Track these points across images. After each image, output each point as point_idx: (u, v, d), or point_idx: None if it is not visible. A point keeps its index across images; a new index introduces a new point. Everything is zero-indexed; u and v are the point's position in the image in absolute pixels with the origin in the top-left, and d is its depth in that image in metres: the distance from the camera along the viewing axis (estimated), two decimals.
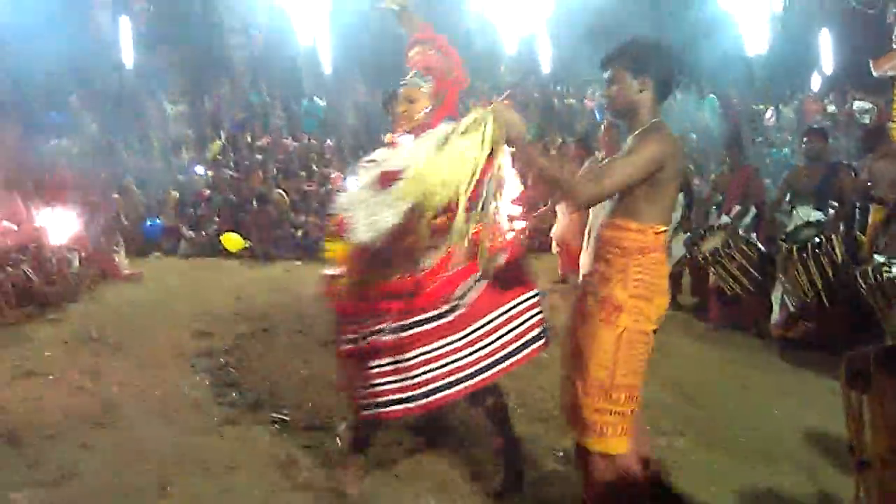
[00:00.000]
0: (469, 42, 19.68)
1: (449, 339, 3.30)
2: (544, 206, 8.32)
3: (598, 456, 2.96)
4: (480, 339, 3.36)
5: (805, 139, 6.62)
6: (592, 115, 16.84)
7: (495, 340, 3.41)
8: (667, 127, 2.94)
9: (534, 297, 3.55)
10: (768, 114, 17.30)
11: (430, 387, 3.30)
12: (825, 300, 5.65)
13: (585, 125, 15.25)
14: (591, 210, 7.28)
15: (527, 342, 3.53)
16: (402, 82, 3.61)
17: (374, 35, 18.55)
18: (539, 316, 3.57)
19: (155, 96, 16.38)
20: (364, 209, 3.09)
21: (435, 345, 3.29)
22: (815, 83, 19.62)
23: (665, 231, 2.94)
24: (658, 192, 2.87)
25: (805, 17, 18.94)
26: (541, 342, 3.60)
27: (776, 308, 6.14)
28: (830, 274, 5.62)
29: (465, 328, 3.32)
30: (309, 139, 14.73)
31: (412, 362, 3.28)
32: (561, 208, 8.56)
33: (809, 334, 5.98)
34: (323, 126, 15.99)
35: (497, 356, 3.42)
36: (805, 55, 20.02)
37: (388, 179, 3.09)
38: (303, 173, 12.55)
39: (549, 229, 10.62)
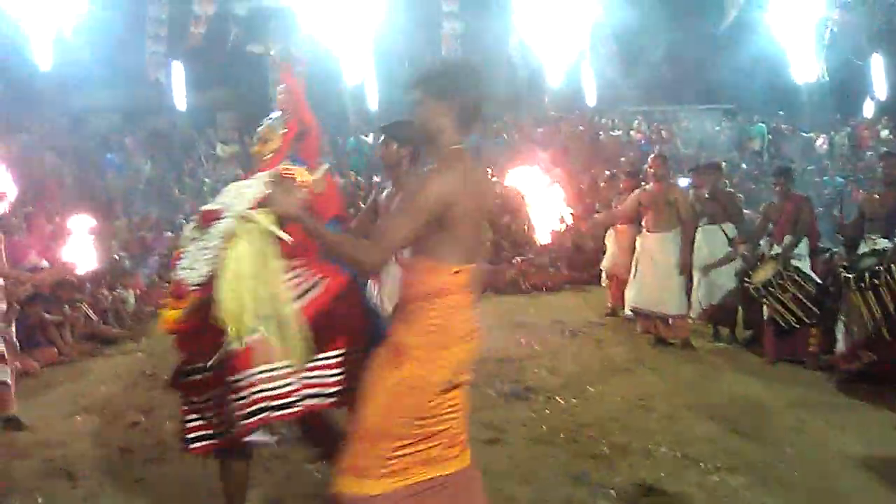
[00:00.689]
0: (513, 75, 19.86)
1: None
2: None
3: (350, 496, 2.67)
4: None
5: (883, 163, 6.46)
6: (639, 146, 16.75)
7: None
8: (463, 157, 2.74)
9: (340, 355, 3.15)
10: (819, 141, 17.00)
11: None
12: (885, 332, 5.47)
13: (632, 157, 15.16)
14: (638, 241, 7.26)
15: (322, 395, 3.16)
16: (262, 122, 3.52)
17: (419, 71, 18.83)
18: (339, 377, 3.15)
19: (206, 137, 16.83)
20: (191, 247, 3.07)
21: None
22: (868, 109, 19.28)
23: (462, 272, 2.67)
24: (450, 231, 2.62)
25: (855, 43, 18.64)
26: (329, 400, 3.18)
27: (839, 339, 5.97)
28: (891, 305, 5.45)
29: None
30: (356, 177, 14.94)
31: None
32: (610, 239, 8.53)
33: (871, 367, 5.79)
34: (369, 163, 16.21)
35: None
36: (856, 81, 19.72)
37: (208, 219, 3.04)
38: (350, 210, 12.70)
39: (597, 262, 10.60)
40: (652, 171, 7.29)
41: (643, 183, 7.94)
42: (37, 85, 15.88)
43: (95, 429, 5.14)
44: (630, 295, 7.44)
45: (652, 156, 7.67)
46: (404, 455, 2.68)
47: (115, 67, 17.47)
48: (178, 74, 18.35)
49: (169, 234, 10.99)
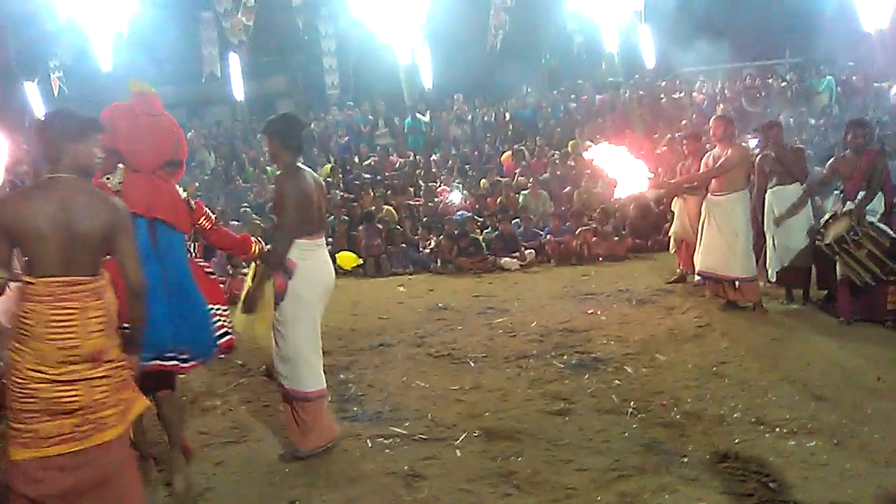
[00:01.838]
0: (568, 42, 19.55)
1: None
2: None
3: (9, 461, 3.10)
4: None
5: None
6: (701, 108, 16.30)
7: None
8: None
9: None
10: (893, 90, 16.25)
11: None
12: None
13: (695, 119, 14.78)
14: (703, 205, 7.11)
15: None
16: None
17: (469, 48, 18.72)
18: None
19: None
20: None
21: None
22: None
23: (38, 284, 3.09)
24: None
25: None
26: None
27: None
28: None
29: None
30: (414, 155, 14.97)
31: None
32: (678, 204, 8.36)
33: None
34: (427, 141, 16.22)
35: None
36: None
37: None
38: (410, 189, 12.77)
39: (661, 229, 10.43)
40: (713, 132, 7.14)
41: (707, 145, 7.76)
42: (100, 86, 16.36)
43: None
44: (698, 259, 7.32)
45: (714, 117, 7.49)
46: (28, 429, 3.03)
47: (173, 64, 17.88)
48: (234, 66, 18.65)
49: (235, 223, 11.22)
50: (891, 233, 6.16)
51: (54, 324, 3.03)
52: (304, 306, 4.33)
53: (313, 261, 4.38)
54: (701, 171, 7.29)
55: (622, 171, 6.48)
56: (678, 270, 8.51)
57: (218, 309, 4.18)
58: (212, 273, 4.42)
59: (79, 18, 15.51)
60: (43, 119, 3.43)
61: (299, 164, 4.37)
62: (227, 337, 4.19)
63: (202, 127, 17.68)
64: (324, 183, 4.70)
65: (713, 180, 7.05)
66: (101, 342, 3.12)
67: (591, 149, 7.42)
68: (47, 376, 3.03)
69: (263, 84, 20.44)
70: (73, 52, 16.09)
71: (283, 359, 4.39)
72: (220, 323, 4.15)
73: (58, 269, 3.05)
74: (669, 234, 8.84)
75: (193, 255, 4.49)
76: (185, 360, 3.96)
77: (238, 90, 18.83)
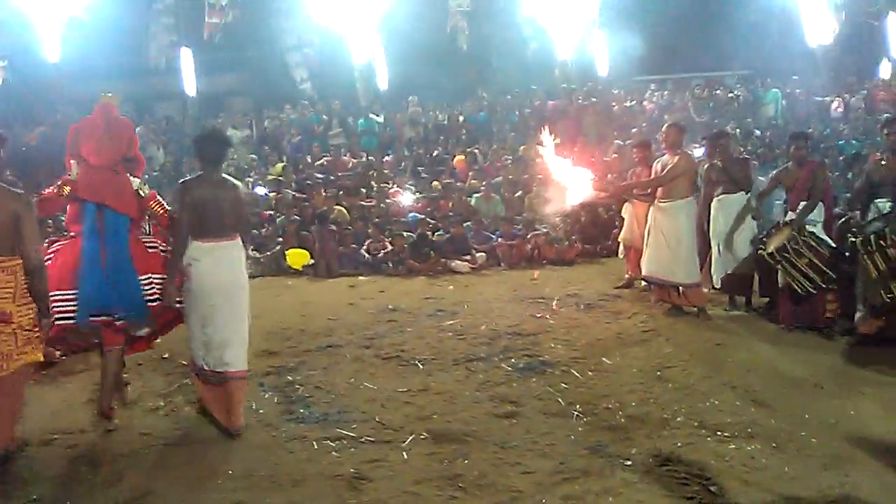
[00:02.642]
0: (523, 48, 19.69)
1: None
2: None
3: None
4: None
5: (886, 129, 6.36)
6: (651, 116, 16.57)
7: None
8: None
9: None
10: (835, 104, 16.75)
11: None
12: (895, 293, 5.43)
13: (645, 128, 15.01)
14: (650, 211, 7.23)
15: None
16: None
17: (425, 50, 18.72)
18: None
19: (217, 122, 16.84)
20: None
21: None
22: (885, 70, 18.95)
23: None
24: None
25: (870, 3, 18.33)
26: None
27: (859, 304, 5.94)
28: None
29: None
30: (367, 156, 14.90)
31: None
32: (627, 210, 8.49)
33: (885, 331, 5.76)
34: (380, 142, 16.16)
35: None
36: (871, 42, 19.39)
37: None
38: (363, 190, 12.71)
39: (611, 235, 10.56)
40: (664, 139, 7.28)
41: (656, 153, 7.89)
42: (46, 77, 15.95)
43: (115, 415, 5.19)
44: (644, 264, 7.44)
45: (666, 125, 7.63)
46: None
47: (124, 57, 17.49)
48: (187, 61, 18.32)
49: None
50: (830, 243, 6.35)
51: None
52: (193, 300, 4.83)
53: (207, 261, 4.79)
54: (651, 177, 7.41)
55: (569, 178, 6.64)
56: (626, 276, 8.63)
57: (151, 277, 4.92)
58: (154, 247, 5.08)
59: (24, 8, 15.08)
60: None
61: (201, 174, 4.89)
62: (157, 302, 4.91)
63: (151, 122, 17.32)
64: (239, 187, 5.00)
65: (659, 188, 7.18)
66: (7, 306, 4.08)
67: (540, 150, 7.51)
68: None
69: (216, 80, 20.10)
70: (18, 43, 15.62)
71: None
72: (153, 290, 4.90)
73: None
74: (619, 240, 8.96)
75: (146, 233, 5.22)
76: (119, 319, 4.87)
77: (189, 86, 18.50)
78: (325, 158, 14.78)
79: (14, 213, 4.05)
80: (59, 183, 4.94)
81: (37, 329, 4.25)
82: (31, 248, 4.14)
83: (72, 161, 4.98)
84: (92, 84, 18.60)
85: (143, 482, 4.13)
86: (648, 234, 7.34)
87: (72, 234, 4.94)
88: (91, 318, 4.75)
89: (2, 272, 4.06)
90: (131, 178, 5.09)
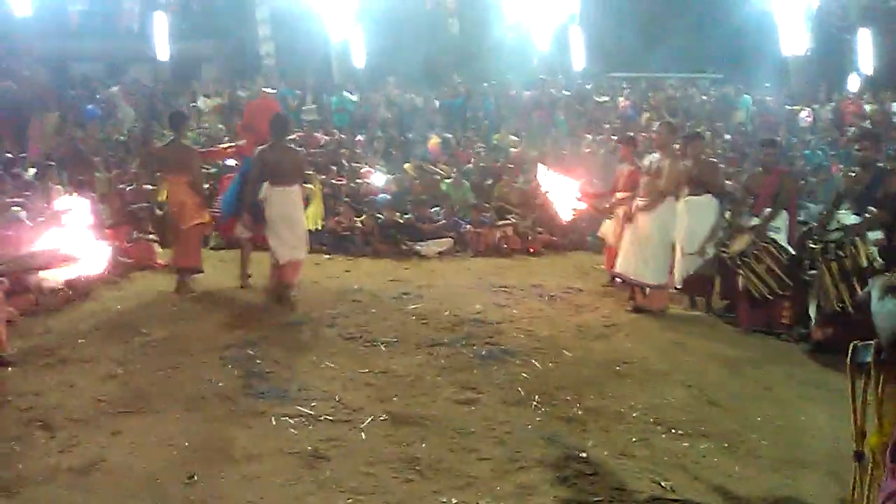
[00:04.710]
0: (502, 35, 19.69)
1: None
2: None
3: None
4: None
5: (857, 144, 6.48)
6: (625, 113, 16.69)
7: None
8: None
9: None
10: (804, 114, 17.03)
11: None
12: (849, 304, 5.56)
13: (618, 124, 15.12)
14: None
15: None
16: None
17: (405, 30, 18.61)
18: None
19: (190, 89, 16.58)
20: None
21: None
22: (853, 84, 19.31)
23: None
24: None
25: (843, 17, 18.63)
26: None
27: (812, 312, 6.07)
28: (854, 276, 5.54)
29: None
30: (340, 134, 14.79)
31: None
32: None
33: (837, 339, 5.89)
34: (353, 121, 16.05)
35: None
36: (843, 55, 19.73)
37: None
38: (333, 168, 12.62)
39: (582, 229, 10.63)
40: (656, 137, 7.33)
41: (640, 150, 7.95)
42: (15, 31, 15.52)
43: (72, 380, 5.14)
44: (617, 261, 7.51)
45: (661, 122, 7.67)
46: None
47: (97, 17, 17.11)
48: (160, 25, 17.99)
49: (149, 187, 10.85)
50: (790, 249, 6.48)
51: None
52: (271, 221, 7.34)
53: (276, 198, 7.28)
54: (643, 176, 7.37)
55: (562, 193, 6.84)
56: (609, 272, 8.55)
57: None
58: None
59: None
60: None
61: (273, 143, 7.27)
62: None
63: (122, 85, 16.96)
64: (300, 152, 7.84)
65: (640, 187, 7.23)
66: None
67: (539, 175, 7.97)
68: None
69: (189, 46, 19.75)
70: None
71: None
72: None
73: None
74: (599, 234, 8.90)
75: None
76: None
77: (162, 50, 18.16)
78: (297, 134, 14.62)
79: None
80: (231, 145, 8.97)
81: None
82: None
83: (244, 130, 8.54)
84: (62, 42, 18.24)
85: (96, 449, 4.10)
86: (624, 232, 7.42)
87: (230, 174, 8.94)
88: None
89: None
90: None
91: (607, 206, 8.06)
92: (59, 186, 10.24)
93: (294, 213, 7.32)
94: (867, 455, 2.33)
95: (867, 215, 5.89)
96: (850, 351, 2.45)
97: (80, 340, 6.03)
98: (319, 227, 9.01)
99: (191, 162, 7.68)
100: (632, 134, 9.63)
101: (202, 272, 7.88)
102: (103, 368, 5.39)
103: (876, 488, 2.19)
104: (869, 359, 2.30)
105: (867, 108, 16.80)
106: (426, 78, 18.22)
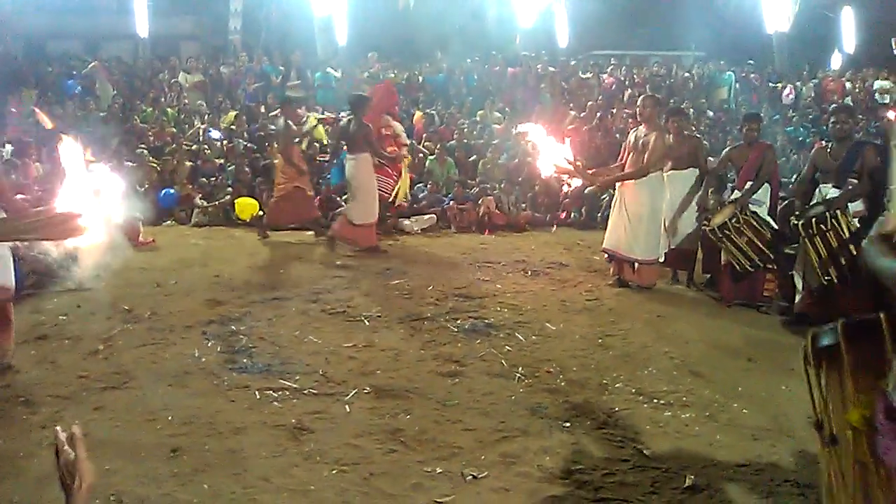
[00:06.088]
0: (485, 11, 19.57)
1: None
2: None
3: None
4: None
5: (832, 118, 6.50)
6: (609, 90, 16.67)
7: None
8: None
9: None
10: (786, 91, 17.10)
11: None
12: (834, 277, 5.61)
13: (602, 101, 15.10)
14: (617, 188, 7.30)
15: None
16: None
17: (389, 8, 18.44)
18: None
19: (169, 65, 16.37)
20: None
21: None
22: (836, 62, 19.39)
23: None
24: None
25: None
26: None
27: (798, 285, 6.12)
28: (837, 249, 5.58)
29: None
30: (323, 110, 14.68)
31: None
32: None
33: (821, 311, 5.94)
34: (337, 97, 15.92)
35: None
36: (826, 33, 19.79)
37: None
38: (316, 144, 12.53)
39: (566, 205, 10.65)
40: (640, 112, 7.29)
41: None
42: None
43: (54, 357, 5.11)
44: (605, 237, 7.49)
45: (643, 96, 7.66)
46: None
47: None
48: (139, 1, 17.73)
49: (130, 164, 10.76)
50: (773, 224, 6.52)
51: None
52: None
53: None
54: (625, 150, 7.35)
55: (549, 151, 6.78)
56: None
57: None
58: None
59: None
60: None
61: (352, 117, 8.70)
62: None
63: (101, 61, 16.72)
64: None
65: (627, 162, 7.22)
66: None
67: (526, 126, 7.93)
68: None
69: (169, 23, 19.51)
70: None
71: None
72: None
73: None
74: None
75: None
76: None
77: (142, 27, 17.91)
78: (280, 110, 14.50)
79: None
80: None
81: None
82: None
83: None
84: (39, 18, 17.95)
85: (80, 424, 4.07)
86: (613, 208, 7.42)
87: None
88: None
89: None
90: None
91: (595, 186, 8.08)
92: (37, 164, 10.14)
93: (351, 179, 8.57)
94: (844, 435, 2.31)
95: (848, 188, 5.93)
96: (809, 338, 2.42)
97: (61, 317, 6.00)
98: (405, 201, 9.93)
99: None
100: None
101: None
102: (86, 345, 5.36)
103: (860, 466, 2.17)
104: (830, 342, 2.27)
105: (848, 85, 16.89)
106: (408, 54, 18.11)
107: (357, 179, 8.57)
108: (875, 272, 2.24)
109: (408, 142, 9.85)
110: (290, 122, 9.43)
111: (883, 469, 2.05)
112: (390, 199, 9.64)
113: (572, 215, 10.86)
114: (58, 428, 1.87)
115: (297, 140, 9.62)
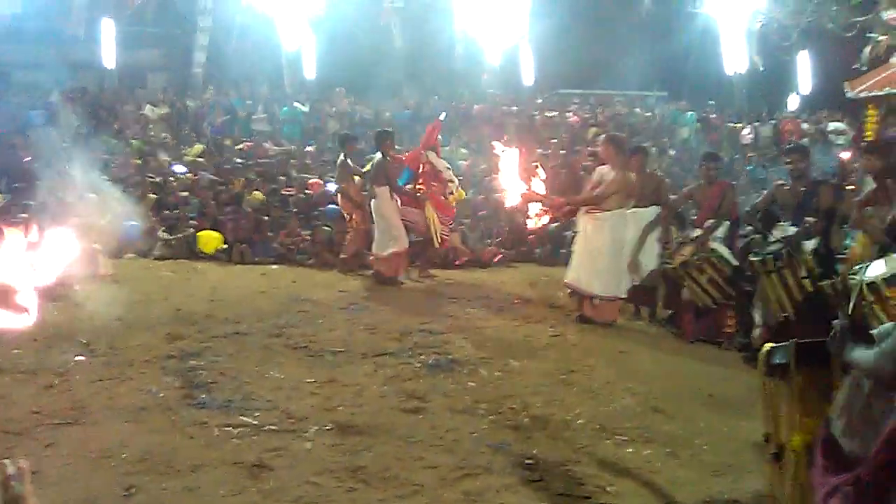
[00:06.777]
0: (452, 50, 19.84)
1: None
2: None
3: None
4: None
5: (787, 158, 6.66)
6: (573, 129, 16.92)
7: None
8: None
9: None
10: (745, 131, 17.50)
11: None
12: (791, 313, 5.70)
13: (566, 139, 15.32)
14: (580, 222, 7.36)
15: None
16: None
17: (358, 44, 18.60)
18: None
19: (135, 97, 16.28)
20: None
21: None
22: (792, 103, 19.93)
23: None
24: None
25: (784, 38, 19.24)
26: None
27: (757, 320, 6.20)
28: (794, 286, 5.69)
29: None
30: (289, 145, 14.70)
31: None
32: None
33: None
34: (304, 131, 15.96)
35: None
36: (783, 75, 20.36)
37: None
38: (282, 178, 12.51)
39: (531, 241, 10.71)
40: (601, 154, 7.44)
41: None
42: None
43: (7, 391, 4.98)
44: (567, 272, 7.53)
45: (604, 138, 7.79)
46: None
47: (41, 21, 16.70)
48: (107, 32, 17.66)
49: (92, 196, 10.59)
50: (733, 261, 6.62)
51: None
52: None
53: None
54: (590, 187, 7.44)
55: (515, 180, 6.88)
56: None
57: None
58: None
59: None
60: None
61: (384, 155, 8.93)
62: None
63: (67, 92, 16.57)
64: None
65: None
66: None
67: (499, 150, 7.95)
68: None
69: (137, 55, 19.44)
70: None
71: None
72: None
73: None
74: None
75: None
76: None
77: (108, 58, 17.82)
78: (246, 143, 14.50)
79: None
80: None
81: None
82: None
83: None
84: (5, 47, 17.75)
85: (32, 461, 3.96)
86: (576, 243, 7.48)
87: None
88: None
89: None
90: None
91: (561, 213, 8.16)
92: None
93: (375, 210, 8.89)
94: (787, 455, 2.35)
95: (805, 225, 6.06)
96: (764, 354, 2.47)
97: (15, 351, 5.85)
98: (438, 244, 9.42)
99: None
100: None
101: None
102: (41, 379, 5.24)
103: (798, 488, 2.21)
104: (783, 360, 2.32)
105: (805, 126, 17.33)
106: (376, 91, 18.24)
107: (377, 212, 8.90)
108: (854, 365, 2.23)
109: (453, 178, 9.45)
110: (348, 159, 9.60)
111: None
112: (436, 239, 9.23)
113: (536, 251, 10.91)
114: (5, 461, 1.82)
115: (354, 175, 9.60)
